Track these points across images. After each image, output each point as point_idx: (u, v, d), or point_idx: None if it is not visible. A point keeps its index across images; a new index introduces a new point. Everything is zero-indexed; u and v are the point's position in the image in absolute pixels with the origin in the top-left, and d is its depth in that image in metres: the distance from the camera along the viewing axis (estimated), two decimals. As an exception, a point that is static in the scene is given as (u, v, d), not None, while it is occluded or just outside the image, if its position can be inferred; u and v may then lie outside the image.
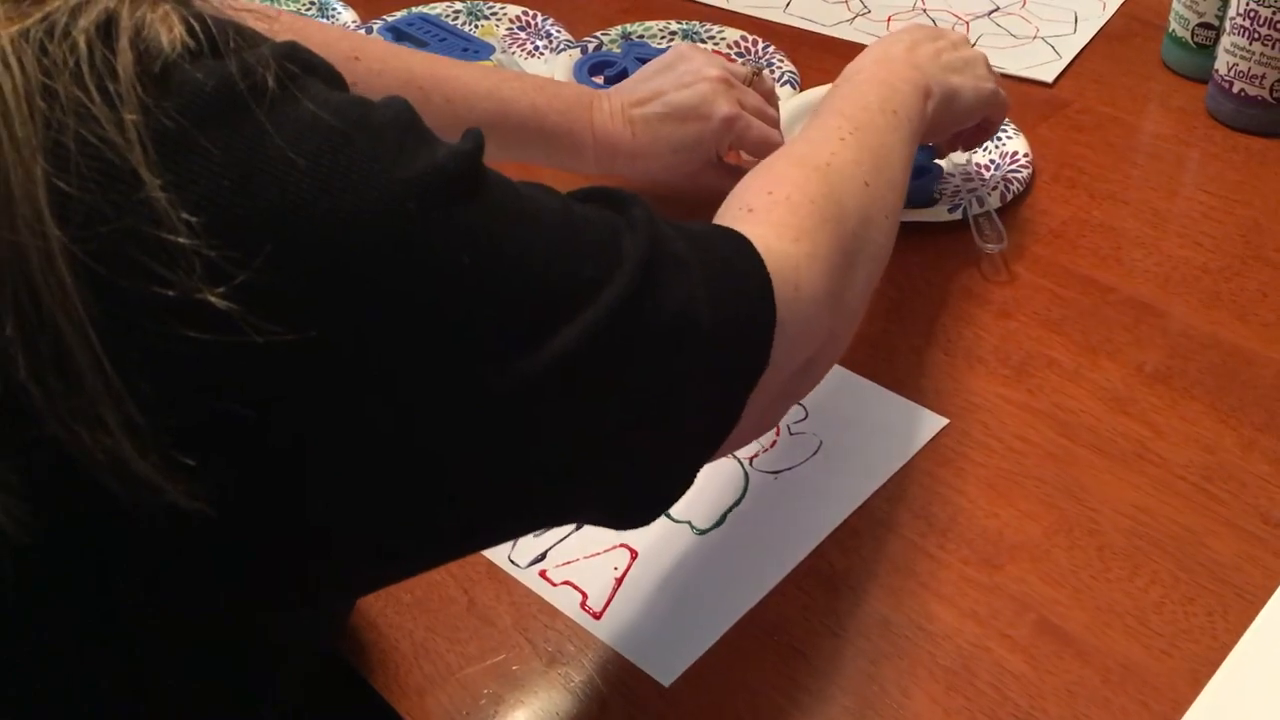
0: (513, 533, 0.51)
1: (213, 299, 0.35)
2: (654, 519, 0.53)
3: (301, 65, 0.40)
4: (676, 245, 0.50)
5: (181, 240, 0.35)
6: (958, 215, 0.90)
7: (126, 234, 0.34)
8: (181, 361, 0.35)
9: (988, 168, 0.96)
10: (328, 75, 0.42)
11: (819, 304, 0.58)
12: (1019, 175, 0.94)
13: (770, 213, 0.59)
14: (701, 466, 0.53)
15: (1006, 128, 0.99)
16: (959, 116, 0.82)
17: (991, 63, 0.86)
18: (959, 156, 0.97)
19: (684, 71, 0.84)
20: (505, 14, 1.18)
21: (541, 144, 0.82)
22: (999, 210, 0.91)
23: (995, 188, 0.92)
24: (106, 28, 0.36)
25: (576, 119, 0.82)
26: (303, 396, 0.37)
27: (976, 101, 0.82)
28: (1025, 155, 0.96)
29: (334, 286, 0.37)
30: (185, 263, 0.35)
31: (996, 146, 0.98)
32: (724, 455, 0.56)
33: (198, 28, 0.38)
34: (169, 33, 0.37)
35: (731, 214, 0.60)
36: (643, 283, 0.46)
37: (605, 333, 0.44)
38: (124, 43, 0.36)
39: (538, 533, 0.69)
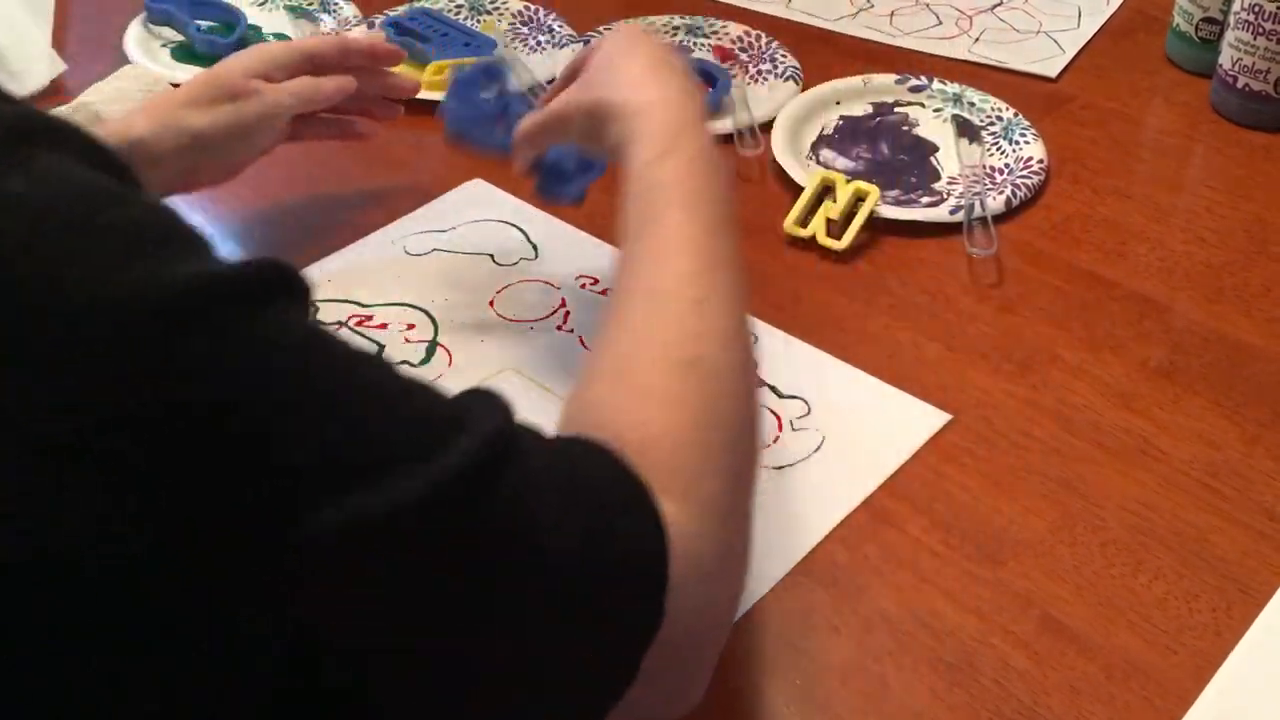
0: None
1: None
2: None
3: (33, 134, 0.36)
4: (543, 467, 0.45)
5: None
6: (959, 217, 0.90)
7: None
8: None
9: (1001, 171, 0.96)
10: (83, 149, 0.38)
11: (710, 570, 0.49)
12: (1029, 181, 0.93)
13: (646, 454, 0.49)
14: None
15: (1026, 133, 0.98)
16: None
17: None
18: (972, 156, 0.96)
19: None
20: (507, 9, 1.18)
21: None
22: (1001, 214, 0.91)
23: (1002, 192, 0.92)
24: None
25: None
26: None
27: None
28: (1040, 161, 0.95)
29: None
30: None
31: (1014, 150, 0.97)
32: None
33: None
34: None
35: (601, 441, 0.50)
36: (472, 478, 0.41)
37: (408, 515, 0.39)
38: None
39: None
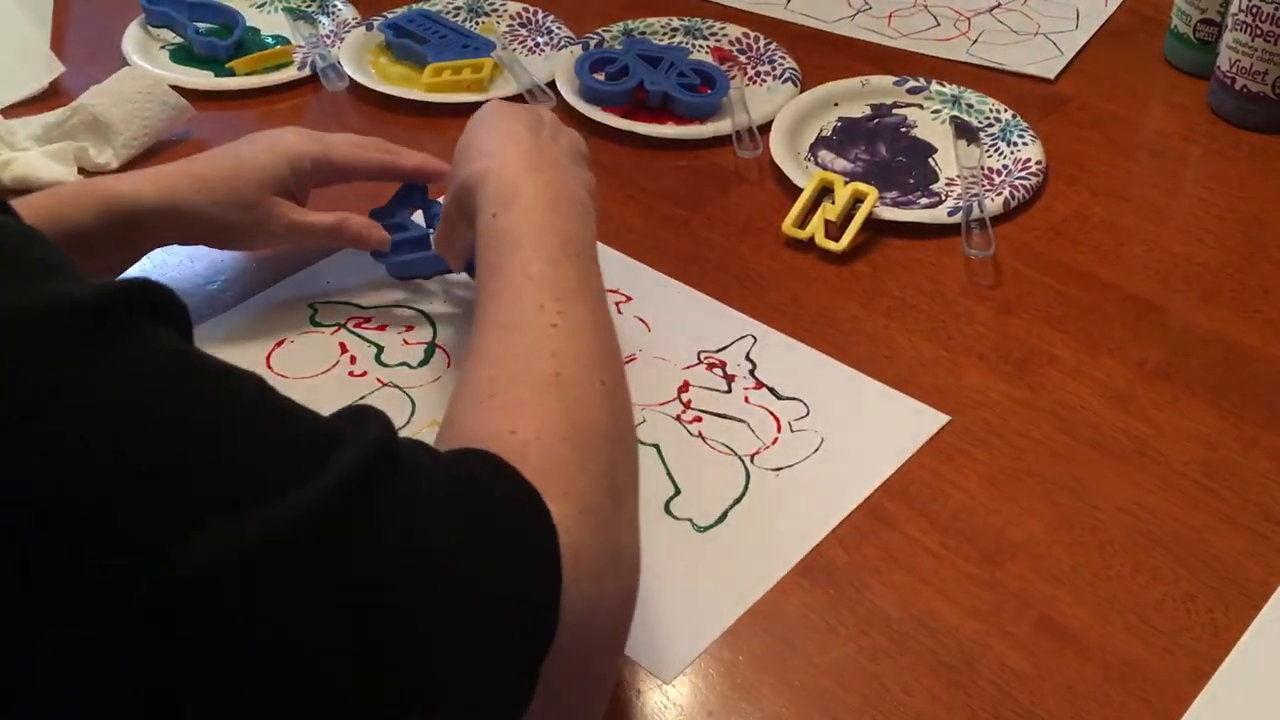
0: None
1: None
2: None
3: None
4: (429, 479, 0.45)
5: None
6: (957, 219, 0.90)
7: None
8: None
9: (999, 172, 0.96)
10: None
11: (599, 568, 0.49)
12: (1027, 182, 0.94)
13: (524, 460, 0.49)
14: None
15: (1024, 134, 0.99)
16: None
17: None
18: (970, 158, 0.97)
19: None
20: (506, 10, 1.18)
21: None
22: (999, 215, 0.91)
23: (1000, 193, 0.92)
24: None
25: (86, 195, 0.77)
26: None
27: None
28: (1038, 163, 0.96)
29: None
30: None
31: (1012, 151, 0.97)
32: None
33: None
34: None
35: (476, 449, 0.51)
36: (350, 502, 0.40)
37: (281, 545, 0.38)
38: None
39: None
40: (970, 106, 1.03)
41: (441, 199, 0.87)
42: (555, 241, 0.62)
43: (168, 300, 0.42)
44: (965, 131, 1.00)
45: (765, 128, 1.01)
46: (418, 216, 0.88)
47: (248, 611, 0.38)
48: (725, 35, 1.14)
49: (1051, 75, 1.09)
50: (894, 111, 1.04)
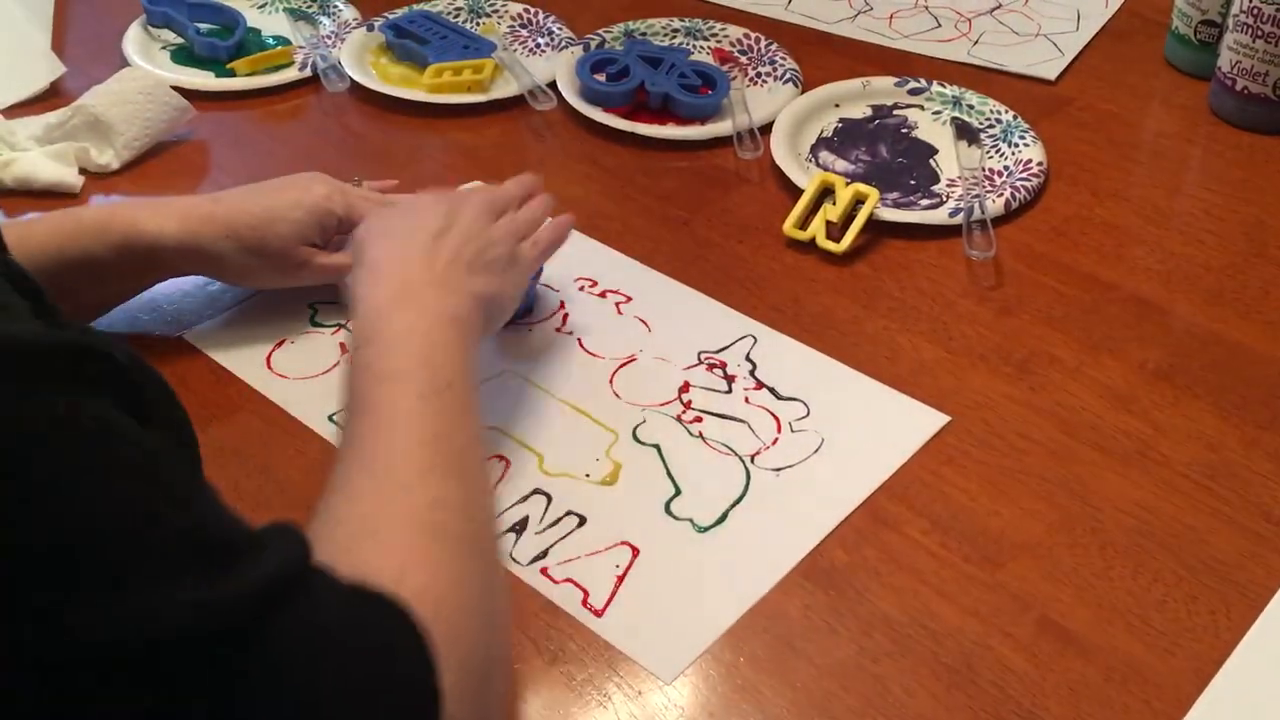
0: None
1: None
2: None
3: None
4: (330, 613, 0.44)
5: None
6: (958, 220, 0.90)
7: None
8: None
9: (1000, 173, 0.96)
10: None
11: None
12: (1028, 183, 0.93)
13: (411, 611, 0.49)
14: None
15: (1025, 135, 0.99)
16: (505, 314, 0.73)
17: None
18: (971, 159, 0.97)
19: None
20: (507, 11, 1.18)
21: (72, 272, 0.75)
22: (1000, 217, 0.91)
23: (1001, 194, 0.92)
24: None
25: (108, 228, 0.76)
26: None
27: (516, 293, 0.74)
28: (1039, 164, 0.96)
29: None
30: None
31: (1013, 152, 0.97)
32: None
33: None
34: None
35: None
36: (245, 617, 0.40)
37: (163, 644, 0.38)
38: None
39: (539, 529, 0.69)
40: (971, 107, 1.03)
41: None
42: (425, 375, 0.60)
43: (109, 370, 0.41)
44: (966, 133, 1.00)
45: (766, 129, 1.01)
46: None
47: (121, 709, 0.38)
48: (726, 36, 1.14)
49: (1052, 76, 1.09)
50: (895, 113, 1.04)
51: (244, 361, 0.80)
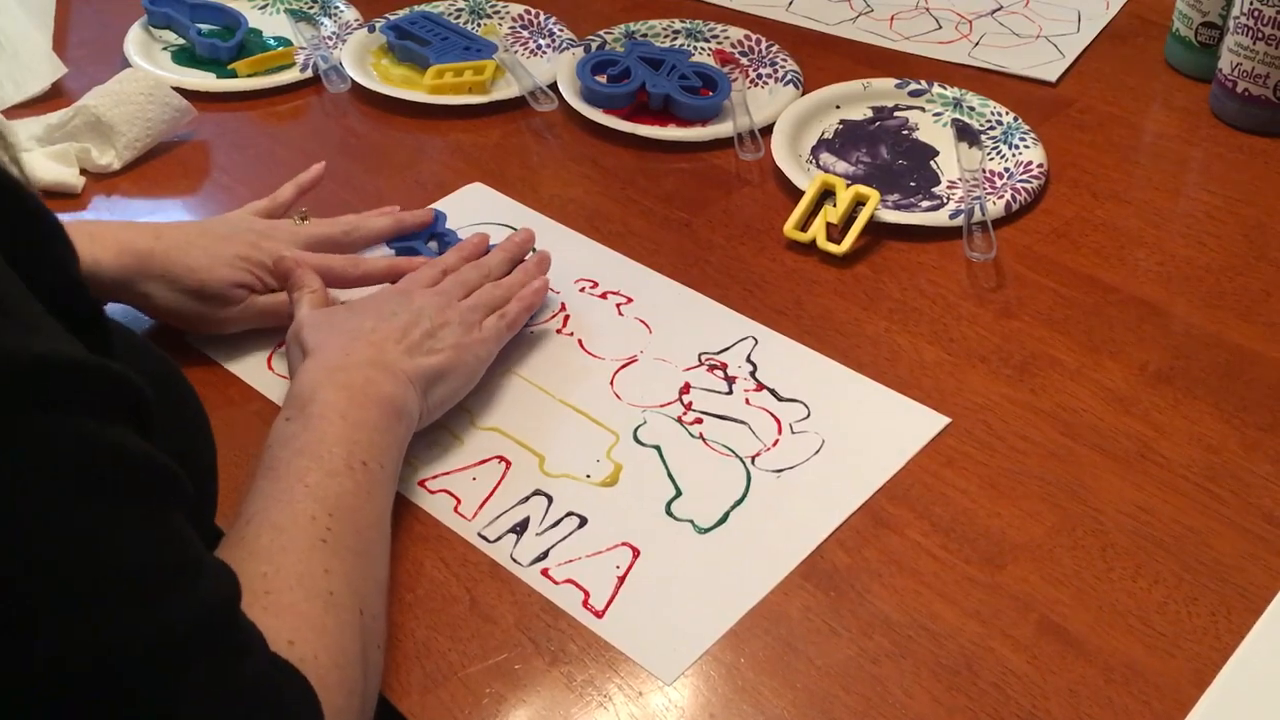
0: None
1: None
2: None
3: None
4: (245, 665, 0.47)
5: None
6: (959, 222, 0.90)
7: None
8: None
9: (1001, 175, 0.96)
10: None
11: None
12: (1028, 185, 0.94)
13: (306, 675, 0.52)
14: None
15: (1025, 137, 0.99)
16: (461, 387, 0.74)
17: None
18: (972, 161, 0.97)
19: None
20: (508, 12, 1.18)
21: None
22: (1001, 219, 0.91)
23: (1002, 196, 0.92)
24: None
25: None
26: None
27: (477, 365, 0.75)
28: (1040, 166, 0.96)
29: None
30: None
31: (1013, 154, 0.97)
32: None
33: None
34: None
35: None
36: (171, 652, 0.43)
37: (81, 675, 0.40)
38: None
39: (539, 530, 0.69)
40: (972, 109, 1.03)
41: (458, 230, 0.87)
42: (341, 452, 0.63)
43: (104, 387, 0.42)
44: (967, 134, 1.00)
45: (767, 130, 1.01)
46: (434, 243, 0.88)
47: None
48: (727, 38, 1.14)
49: (1053, 78, 1.09)
50: (895, 114, 1.04)
51: (244, 362, 0.80)
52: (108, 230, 0.77)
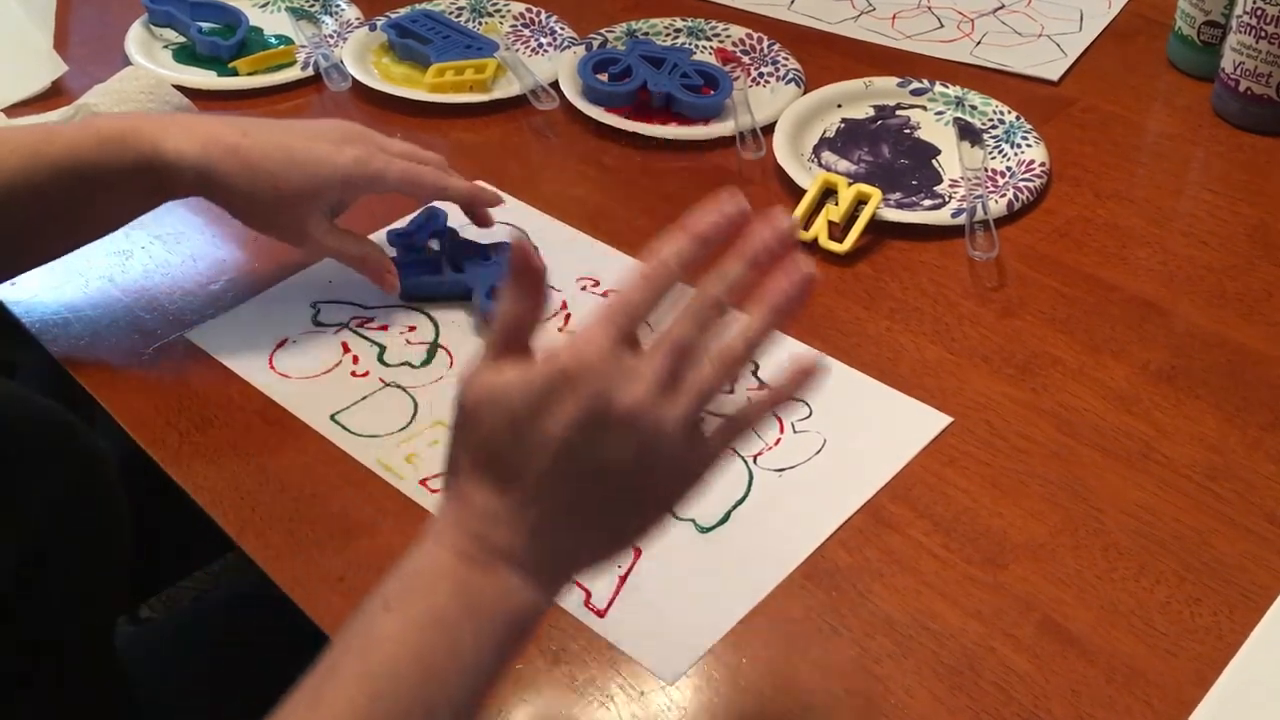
0: None
1: None
2: None
3: None
4: None
5: None
6: (961, 220, 0.90)
7: None
8: None
9: (1003, 174, 0.96)
10: None
11: None
12: (1031, 184, 0.93)
13: None
14: None
15: (1027, 136, 0.98)
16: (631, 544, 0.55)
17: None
18: (974, 159, 0.97)
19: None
20: (509, 10, 1.18)
21: (89, 184, 0.74)
22: (1003, 217, 0.91)
23: (1004, 195, 0.92)
24: None
25: (129, 143, 0.74)
26: None
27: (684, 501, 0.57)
28: (1042, 164, 0.95)
29: None
30: None
31: (1015, 153, 0.97)
32: None
33: None
34: None
35: None
36: None
37: None
38: None
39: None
40: (974, 108, 1.03)
41: (458, 229, 0.87)
42: (416, 676, 0.48)
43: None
44: (969, 133, 1.00)
45: (768, 129, 1.01)
46: (434, 241, 0.88)
47: None
48: (728, 36, 1.14)
49: (1055, 77, 1.09)
50: (897, 113, 1.04)
51: (246, 361, 0.80)
52: (194, 122, 0.78)
